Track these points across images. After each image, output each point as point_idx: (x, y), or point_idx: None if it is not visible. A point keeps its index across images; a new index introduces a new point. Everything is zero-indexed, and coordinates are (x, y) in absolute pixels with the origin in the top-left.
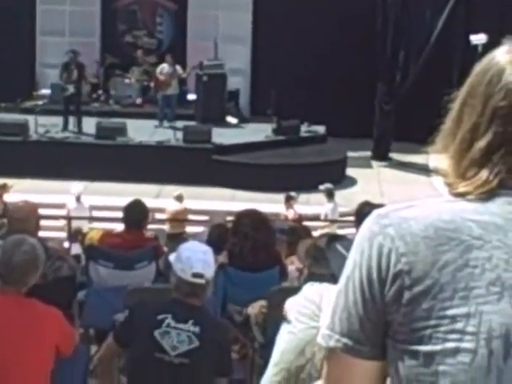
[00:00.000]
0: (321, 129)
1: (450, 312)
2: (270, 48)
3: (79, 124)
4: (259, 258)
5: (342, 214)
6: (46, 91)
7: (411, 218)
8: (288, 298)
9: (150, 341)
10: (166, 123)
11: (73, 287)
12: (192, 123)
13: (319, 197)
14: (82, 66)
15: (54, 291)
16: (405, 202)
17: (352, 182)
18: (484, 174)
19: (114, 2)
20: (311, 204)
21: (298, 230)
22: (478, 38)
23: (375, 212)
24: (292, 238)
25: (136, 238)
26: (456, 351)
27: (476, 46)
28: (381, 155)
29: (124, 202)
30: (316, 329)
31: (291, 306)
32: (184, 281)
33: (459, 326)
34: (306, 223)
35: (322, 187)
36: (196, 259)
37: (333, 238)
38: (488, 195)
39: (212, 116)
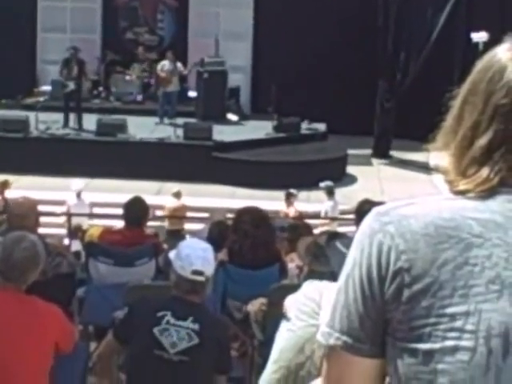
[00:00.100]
0: (321, 126)
1: (449, 310)
2: (270, 45)
3: (79, 121)
4: (259, 255)
5: (342, 212)
6: (46, 88)
7: (411, 216)
8: (288, 295)
9: (149, 338)
10: (166, 120)
11: (72, 284)
12: (192, 120)
13: (319, 194)
14: (82, 63)
15: (53, 288)
16: (405, 199)
17: (352, 179)
18: (485, 171)
19: None
20: (311, 201)
21: (299, 227)
22: (479, 36)
23: (375, 210)
24: (293, 235)
25: (136, 234)
26: (455, 349)
27: (477, 44)
28: (381, 153)
29: (124, 198)
30: (315, 327)
31: (291, 303)
32: (184, 278)
33: (458, 324)
34: (306, 221)
35: (322, 185)
36: (196, 256)
37: (333, 236)
38: (488, 193)
39: (212, 113)
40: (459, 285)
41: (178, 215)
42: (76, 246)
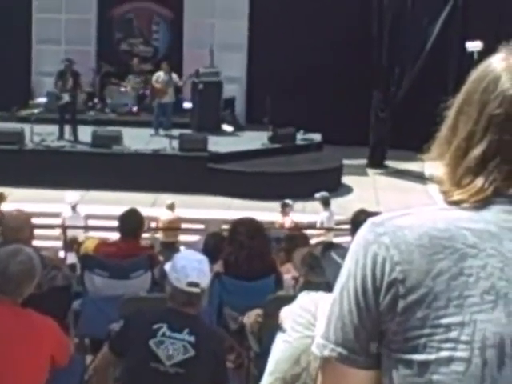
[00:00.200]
0: (316, 137)
1: (444, 321)
2: (266, 56)
3: (75, 132)
4: (254, 266)
5: (338, 222)
6: (41, 100)
7: (406, 227)
8: (283, 306)
9: (145, 350)
10: (161, 131)
11: (68, 297)
12: (188, 131)
13: (315, 205)
14: (77, 75)
15: (49, 301)
16: (400, 209)
17: (348, 189)
18: (479, 182)
19: (110, 11)
20: (307, 212)
21: (296, 237)
22: (474, 45)
23: (370, 220)
24: (290, 245)
25: (131, 247)
26: (450, 360)
27: (472, 53)
28: (376, 163)
29: (119, 210)
30: (311, 338)
31: (286, 314)
32: (179, 290)
33: (453, 334)
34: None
35: (317, 195)
36: (191, 268)
37: (328, 247)
38: (483, 203)
39: (208, 124)
40: (454, 295)
41: (172, 227)
42: (71, 258)
